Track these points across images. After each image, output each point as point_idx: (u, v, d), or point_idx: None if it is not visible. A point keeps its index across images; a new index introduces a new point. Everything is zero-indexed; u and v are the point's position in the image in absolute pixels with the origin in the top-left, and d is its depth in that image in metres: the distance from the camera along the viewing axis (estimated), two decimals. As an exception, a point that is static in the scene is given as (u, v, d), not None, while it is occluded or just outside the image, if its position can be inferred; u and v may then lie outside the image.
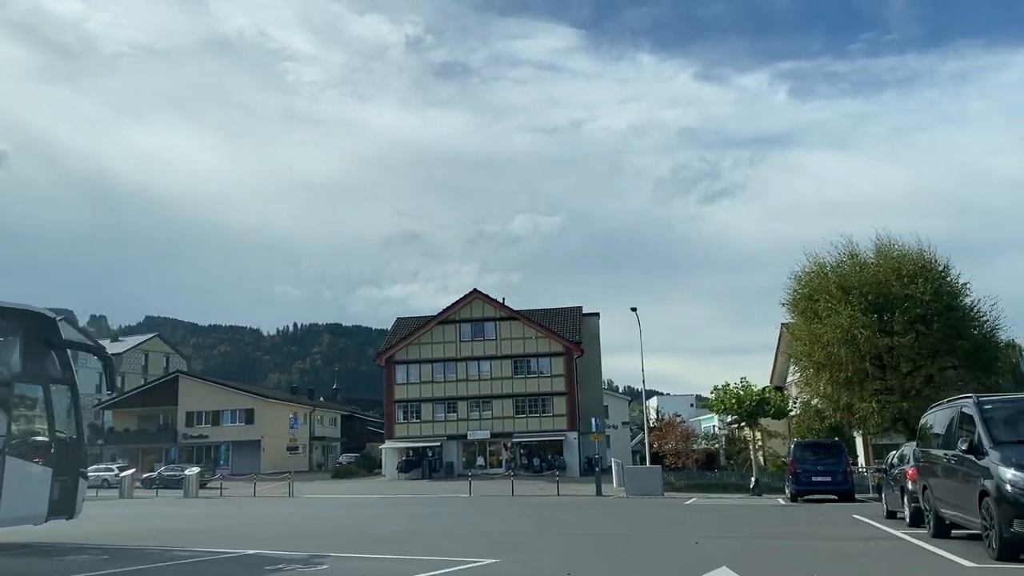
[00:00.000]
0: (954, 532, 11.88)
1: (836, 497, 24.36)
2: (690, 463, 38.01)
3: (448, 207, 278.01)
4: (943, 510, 11.65)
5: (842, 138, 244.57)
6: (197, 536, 14.99)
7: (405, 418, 54.49)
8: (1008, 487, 8.97)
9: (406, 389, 54.68)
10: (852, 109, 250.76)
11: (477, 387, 53.81)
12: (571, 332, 55.29)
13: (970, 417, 10.55)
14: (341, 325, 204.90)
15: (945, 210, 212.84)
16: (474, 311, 55.06)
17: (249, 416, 63.11)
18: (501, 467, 52.57)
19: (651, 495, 28.53)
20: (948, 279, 35.62)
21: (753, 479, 28.88)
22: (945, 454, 11.36)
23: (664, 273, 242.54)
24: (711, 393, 28.96)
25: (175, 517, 22.09)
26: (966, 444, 10.08)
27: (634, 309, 38.61)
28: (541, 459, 51.65)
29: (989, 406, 10.39)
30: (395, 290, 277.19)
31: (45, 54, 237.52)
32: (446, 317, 54.99)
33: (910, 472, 13.72)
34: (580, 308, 60.35)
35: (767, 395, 28.04)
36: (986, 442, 9.79)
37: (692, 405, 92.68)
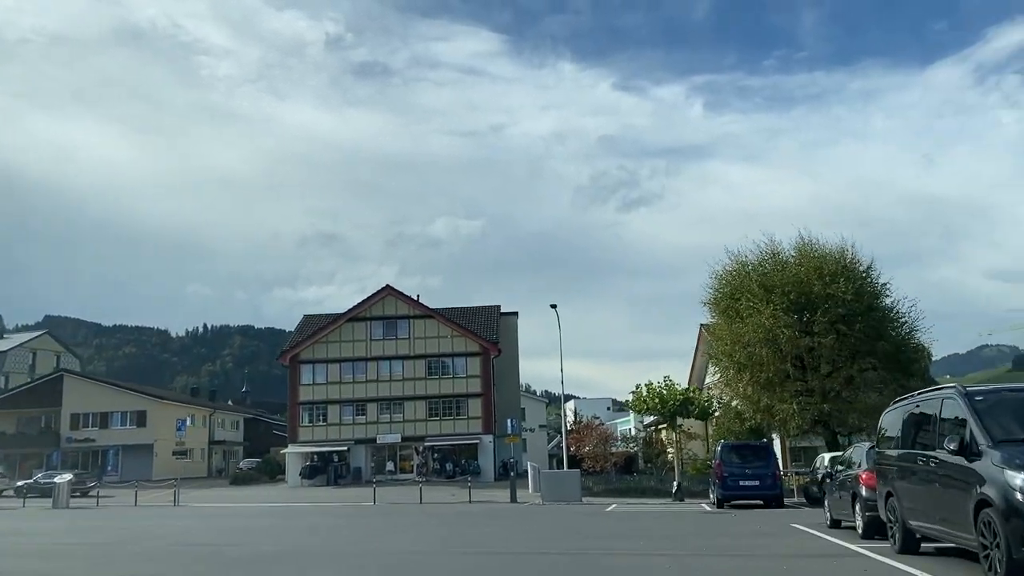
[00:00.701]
0: (923, 546, 10.12)
1: (762, 502, 22.81)
2: (609, 467, 36.27)
3: (367, 208, 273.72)
4: (914, 522, 9.83)
5: (754, 151, 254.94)
6: None
7: (310, 421, 51.12)
8: (1019, 496, 7.09)
9: (312, 390, 51.31)
10: (764, 123, 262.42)
11: (388, 388, 50.94)
12: (488, 331, 53.05)
13: (955, 413, 8.73)
14: (254, 327, 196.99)
15: (848, 222, 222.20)
16: (387, 308, 52.19)
17: (141, 418, 58.29)
18: (412, 472, 49.89)
19: (569, 501, 26.50)
20: (869, 279, 35.13)
21: (675, 483, 27.19)
22: (921, 457, 9.52)
23: (583, 279, 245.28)
24: (631, 392, 27.17)
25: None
26: (955, 444, 8.22)
27: (554, 306, 36.77)
28: (455, 464, 49.16)
29: (981, 398, 8.57)
30: (311, 291, 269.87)
31: None
32: (356, 314, 51.93)
33: (864, 477, 11.95)
34: (498, 307, 58.22)
35: (691, 394, 26.41)
36: (982, 441, 7.94)
37: (609, 408, 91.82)
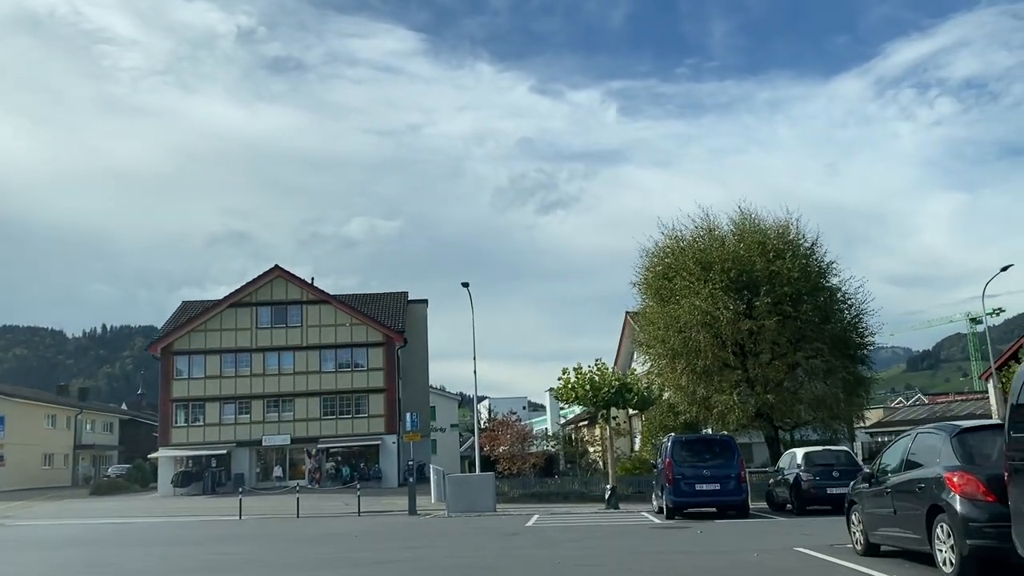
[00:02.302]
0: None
1: (715, 510, 19.11)
2: (527, 469, 32.41)
3: (279, 206, 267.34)
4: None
5: (667, 156, 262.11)
6: None
7: (185, 421, 45.41)
8: None
9: (187, 385, 45.60)
10: (676, 129, 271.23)
11: (276, 383, 45.70)
12: (393, 319, 48.44)
13: None
14: (157, 328, 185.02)
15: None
16: (275, 292, 46.91)
17: (-16, 420, 51.05)
18: (304, 479, 44.85)
19: (480, 511, 22.38)
20: (814, 257, 32.42)
21: (608, 488, 23.37)
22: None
23: (500, 280, 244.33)
24: (559, 378, 23.20)
25: None
26: None
27: (465, 284, 32.61)
28: (353, 468, 44.38)
29: None
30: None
31: None
32: (240, 299, 46.47)
33: (964, 481, 8.11)
34: (405, 293, 53.76)
35: (628, 381, 22.66)
36: None
37: (524, 408, 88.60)
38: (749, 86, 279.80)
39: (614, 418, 24.27)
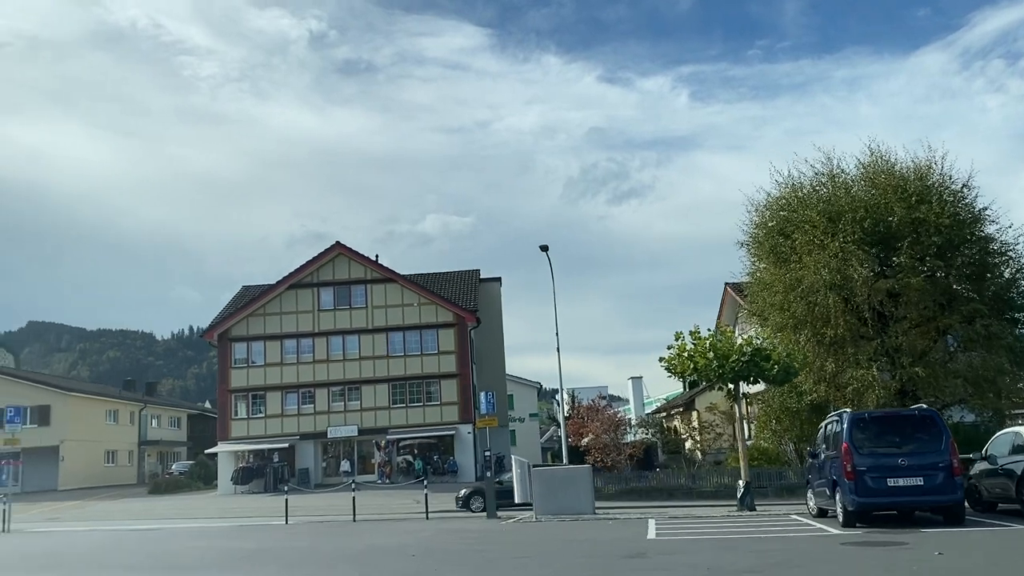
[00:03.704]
0: None
1: (897, 512, 14.68)
2: (622, 461, 28.54)
3: (355, 207, 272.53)
4: None
5: (740, 141, 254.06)
6: None
7: (246, 412, 43.04)
8: None
9: (246, 374, 43.20)
10: (750, 112, 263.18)
11: (341, 370, 42.89)
12: (465, 299, 45.08)
13: None
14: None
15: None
16: (337, 271, 44.08)
17: (44, 415, 49.94)
18: (374, 473, 42.02)
19: (577, 514, 18.66)
20: (965, 201, 27.39)
21: (742, 484, 19.26)
22: None
23: (572, 272, 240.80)
24: (669, 347, 19.19)
25: None
26: None
27: (544, 248, 28.96)
28: (426, 461, 41.25)
29: None
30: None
31: None
32: (300, 279, 43.79)
33: None
34: (477, 271, 50.31)
35: (765, 347, 18.38)
36: None
37: (604, 398, 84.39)
38: (825, 65, 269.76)
39: (738, 395, 19.96)
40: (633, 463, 29.12)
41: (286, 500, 22.37)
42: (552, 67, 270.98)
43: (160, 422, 65.13)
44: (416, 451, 42.57)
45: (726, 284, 43.19)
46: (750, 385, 20.87)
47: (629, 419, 38.72)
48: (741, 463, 19.72)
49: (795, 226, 27.88)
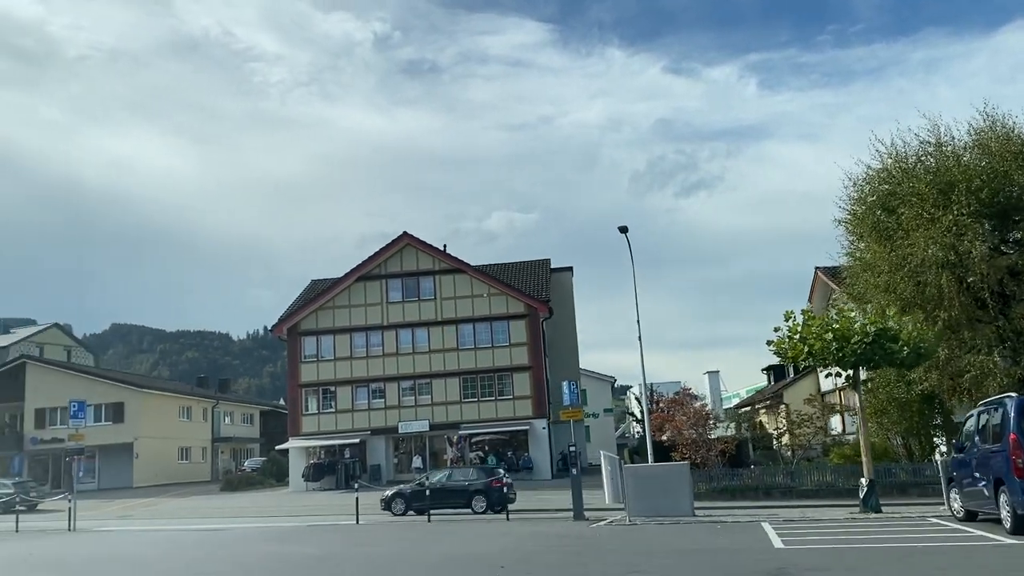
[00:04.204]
0: None
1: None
2: (712, 457, 26.68)
3: (421, 206, 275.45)
4: None
5: (813, 129, 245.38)
6: None
7: (316, 407, 42.46)
8: None
9: (316, 368, 42.61)
10: (822, 100, 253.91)
11: (411, 363, 41.92)
12: (536, 289, 43.63)
13: None
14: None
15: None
16: (405, 262, 43.10)
17: (117, 412, 50.40)
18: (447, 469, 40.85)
19: (676, 517, 16.99)
20: (1096, 167, 24.62)
21: (865, 482, 17.28)
22: None
23: (640, 266, 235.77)
24: (775, 329, 17.30)
25: None
26: None
27: (623, 229, 27.26)
28: (499, 457, 39.95)
29: None
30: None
31: (6, 59, 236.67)
32: (368, 271, 42.96)
33: None
34: (548, 261, 48.82)
35: (891, 328, 16.28)
36: None
37: (678, 394, 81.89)
38: (900, 47, 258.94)
39: (857, 382, 17.78)
40: (725, 460, 27.24)
41: (356, 499, 21.22)
42: (616, 60, 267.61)
43: (233, 419, 65.54)
44: (487, 447, 41.34)
45: (817, 269, 40.77)
46: (871, 371, 18.84)
47: (716, 413, 36.62)
48: (864, 459, 17.71)
49: (900, 200, 25.60)
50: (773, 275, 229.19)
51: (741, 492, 25.46)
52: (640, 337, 27.27)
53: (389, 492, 26.38)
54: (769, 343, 17.66)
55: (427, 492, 24.35)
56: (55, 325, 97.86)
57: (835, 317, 17.21)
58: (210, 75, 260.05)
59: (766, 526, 15.10)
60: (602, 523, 17.41)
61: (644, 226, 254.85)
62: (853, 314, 21.19)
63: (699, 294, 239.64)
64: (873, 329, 16.30)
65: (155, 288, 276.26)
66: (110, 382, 52.50)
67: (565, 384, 20.53)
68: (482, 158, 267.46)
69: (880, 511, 16.77)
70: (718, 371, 69.16)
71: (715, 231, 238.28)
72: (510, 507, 20.90)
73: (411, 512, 24.98)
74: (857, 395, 17.99)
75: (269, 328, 43.82)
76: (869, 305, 25.76)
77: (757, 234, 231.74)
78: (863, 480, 17.46)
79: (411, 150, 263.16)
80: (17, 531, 23.69)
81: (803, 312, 17.58)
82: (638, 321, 27.32)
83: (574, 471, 18.90)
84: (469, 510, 23.70)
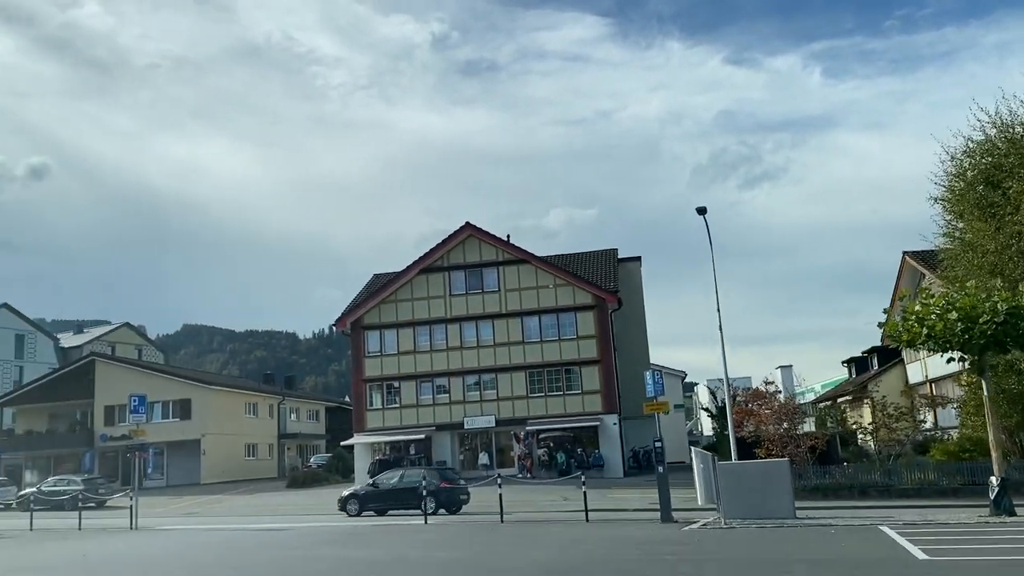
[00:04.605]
0: None
1: None
2: (800, 454, 24.92)
3: (481, 204, 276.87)
4: None
5: (881, 117, 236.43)
6: None
7: (381, 403, 41.79)
8: None
9: (380, 363, 41.91)
10: (890, 87, 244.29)
11: (476, 357, 40.89)
12: (604, 279, 42.15)
13: None
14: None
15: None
16: (468, 253, 42.08)
17: (184, 409, 50.65)
18: (514, 466, 39.81)
19: (776, 519, 15.47)
20: None
21: (996, 480, 15.51)
22: None
23: (703, 260, 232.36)
24: (884, 310, 15.53)
25: None
26: None
27: (702, 211, 25.68)
28: (568, 454, 38.66)
29: None
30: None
31: (79, 69, 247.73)
32: (431, 263, 42.08)
33: None
34: (615, 251, 47.24)
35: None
36: None
37: (748, 389, 79.29)
38: (972, 31, 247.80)
39: (984, 368, 15.84)
40: (815, 457, 25.45)
41: (425, 497, 20.18)
42: (675, 52, 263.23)
43: (299, 415, 65.65)
44: (552, 443, 40.04)
45: (905, 253, 38.47)
46: (998, 356, 16.96)
47: (804, 407, 34.64)
48: (993, 456, 15.86)
49: (1007, 172, 23.54)
50: (841, 267, 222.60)
51: (834, 491, 23.72)
52: (720, 326, 25.62)
53: (345, 492, 26.97)
54: (880, 325, 15.97)
55: (381, 493, 25.51)
56: (126, 324, 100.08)
57: (957, 295, 15.34)
58: (273, 80, 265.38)
59: (887, 530, 13.50)
60: (694, 526, 15.98)
61: (709, 220, 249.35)
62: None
63: (764, 288, 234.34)
64: (1005, 307, 14.48)
65: (224, 289, 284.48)
66: (177, 379, 52.87)
67: (648, 374, 19.13)
68: (540, 155, 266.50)
69: (1014, 513, 14.98)
70: (791, 365, 66.86)
71: (780, 223, 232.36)
72: (589, 508, 19.56)
73: (365, 513, 25.52)
74: (984, 385, 16.11)
75: (333, 324, 43.10)
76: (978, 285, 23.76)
77: (824, 226, 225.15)
78: (993, 479, 15.64)
79: (469, 149, 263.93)
80: (80, 529, 23.41)
81: (920, 291, 15.83)
82: (718, 309, 25.68)
83: (660, 468, 17.47)
84: (419, 511, 23.81)
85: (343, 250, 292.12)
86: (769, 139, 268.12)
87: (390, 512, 25.26)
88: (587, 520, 17.90)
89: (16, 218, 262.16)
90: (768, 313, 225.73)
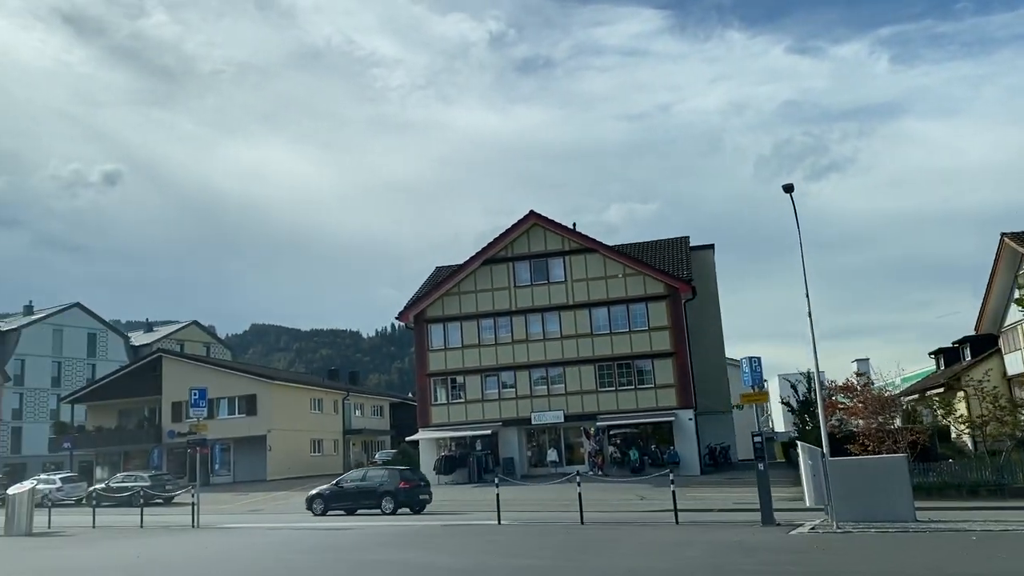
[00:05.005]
0: None
1: None
2: (900, 450, 22.92)
3: (540, 201, 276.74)
4: None
5: (953, 103, 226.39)
6: None
7: (445, 398, 40.78)
8: None
9: (443, 357, 40.90)
10: (963, 72, 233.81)
11: (542, 350, 39.56)
12: (676, 268, 40.34)
13: None
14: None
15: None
16: (533, 243, 40.74)
17: (250, 404, 50.48)
18: (584, 463, 38.40)
19: (895, 522, 13.77)
20: None
21: None
22: None
23: (766, 255, 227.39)
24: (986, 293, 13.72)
25: None
26: None
27: (788, 188, 23.92)
28: (641, 451, 37.05)
29: None
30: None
31: (148, 77, 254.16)
32: (494, 254, 40.86)
33: None
34: (686, 239, 45.34)
35: None
36: None
37: (832, 382, 76.05)
38: None
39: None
40: (916, 453, 23.42)
41: (497, 495, 18.92)
42: (736, 43, 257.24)
43: (363, 411, 65.27)
44: (619, 440, 38.46)
45: (1003, 235, 35.75)
46: None
47: (899, 399, 32.38)
48: None
49: None
50: (913, 259, 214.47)
51: (938, 491, 21.73)
52: (810, 313, 23.67)
53: (312, 492, 27.29)
54: (1017, 302, 14.11)
55: (344, 493, 26.20)
56: (194, 323, 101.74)
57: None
58: (333, 83, 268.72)
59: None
60: (801, 529, 14.34)
61: (771, 212, 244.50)
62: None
63: (832, 282, 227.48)
64: None
65: (290, 289, 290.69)
66: (243, 374, 52.80)
67: (745, 361, 17.47)
68: (599, 150, 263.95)
69: None
70: (868, 358, 63.77)
71: (848, 214, 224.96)
72: (669, 508, 18.04)
73: (331, 512, 25.87)
74: None
75: (396, 317, 42.18)
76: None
77: (894, 216, 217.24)
78: None
79: (527, 146, 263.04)
80: (141, 527, 22.86)
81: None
82: (807, 295, 23.77)
83: (761, 466, 15.85)
84: (379, 511, 24.70)
85: (403, 250, 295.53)
86: (835, 128, 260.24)
87: (343, 510, 26.04)
88: (677, 522, 16.38)
89: (91, 224, 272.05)
90: (837, 307, 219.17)
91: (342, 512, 25.99)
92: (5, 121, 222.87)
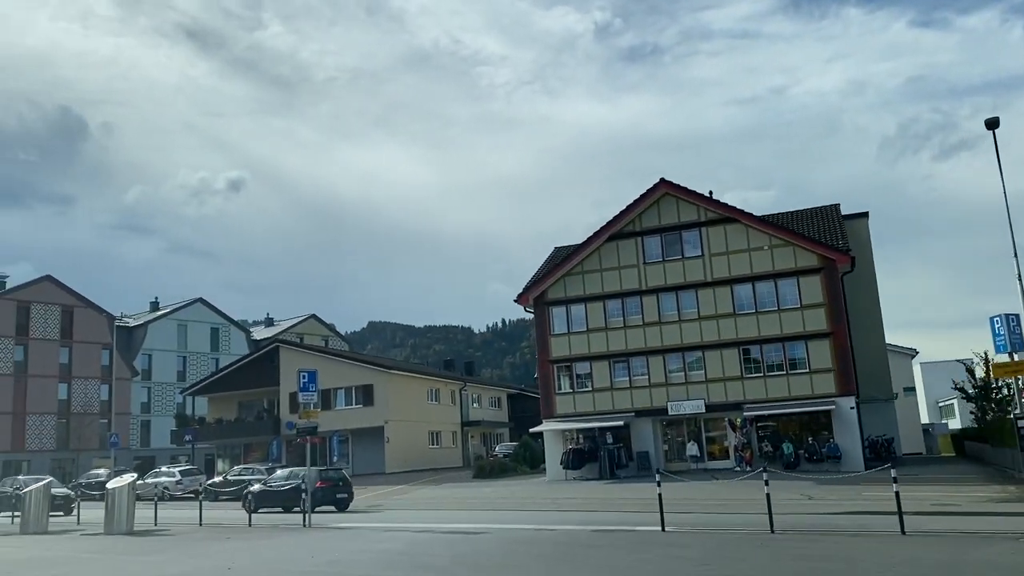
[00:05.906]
0: None
1: None
2: None
3: None
4: None
5: None
6: None
7: (570, 386, 37.76)
8: None
9: (567, 342, 37.87)
10: None
11: (678, 333, 35.92)
12: (830, 237, 35.90)
13: None
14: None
15: None
16: (664, 214, 37.11)
17: (367, 395, 48.96)
18: (728, 458, 34.65)
19: None
20: None
21: None
22: None
23: (893, 240, 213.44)
24: None
25: None
26: None
27: (992, 123, 19.68)
28: (796, 444, 32.96)
29: None
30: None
31: (266, 87, 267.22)
32: (621, 228, 37.47)
33: None
34: (837, 206, 40.67)
35: None
36: None
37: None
38: None
39: None
40: None
41: (659, 495, 15.70)
42: (854, 19, 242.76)
43: (481, 402, 63.20)
44: (774, 431, 34.40)
45: None
46: None
47: None
48: None
49: None
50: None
51: None
52: (1019, 274, 19.47)
53: (247, 491, 27.06)
54: None
55: (272, 493, 26.53)
56: (313, 316, 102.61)
57: None
58: (442, 83, 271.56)
59: None
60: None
61: (897, 196, 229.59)
62: None
63: (966, 267, 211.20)
64: None
65: (405, 287, 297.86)
66: (359, 364, 51.49)
67: (995, 319, 13.65)
68: (710, 137, 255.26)
69: None
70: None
71: (981, 195, 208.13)
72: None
73: (261, 510, 25.34)
74: None
75: (516, 299, 39.39)
76: None
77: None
78: None
79: (636, 135, 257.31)
80: (250, 526, 20.89)
81: None
82: (1015, 255, 19.53)
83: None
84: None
85: (513, 245, 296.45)
86: (965, 104, 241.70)
87: (268, 510, 26.10)
88: (903, 531, 12.81)
89: (217, 229, 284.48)
90: (969, 294, 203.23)
91: (267, 511, 26.21)
92: (137, 135, 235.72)
